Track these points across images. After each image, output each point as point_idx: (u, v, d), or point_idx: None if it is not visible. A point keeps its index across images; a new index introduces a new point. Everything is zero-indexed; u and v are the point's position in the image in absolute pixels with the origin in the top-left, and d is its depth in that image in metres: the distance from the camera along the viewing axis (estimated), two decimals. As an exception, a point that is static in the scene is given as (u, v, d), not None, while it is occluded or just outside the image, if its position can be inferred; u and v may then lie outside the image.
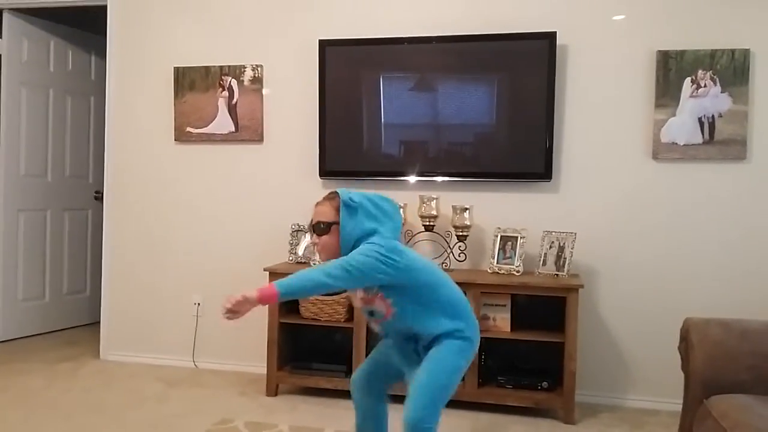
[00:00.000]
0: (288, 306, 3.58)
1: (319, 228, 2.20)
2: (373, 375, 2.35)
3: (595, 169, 3.52)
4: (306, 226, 2.14)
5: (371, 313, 2.22)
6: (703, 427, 2.12)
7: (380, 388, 2.36)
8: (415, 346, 2.23)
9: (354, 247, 2.14)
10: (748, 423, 1.90)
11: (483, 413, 3.27)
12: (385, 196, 2.25)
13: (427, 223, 3.54)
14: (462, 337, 2.16)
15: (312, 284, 2.06)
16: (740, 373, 2.17)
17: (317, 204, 2.25)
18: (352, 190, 2.23)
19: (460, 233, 3.50)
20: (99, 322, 4.29)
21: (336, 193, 2.22)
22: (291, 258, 3.70)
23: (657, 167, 3.44)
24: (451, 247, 3.55)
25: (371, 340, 3.44)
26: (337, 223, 2.17)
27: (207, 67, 3.98)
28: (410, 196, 3.62)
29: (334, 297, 3.43)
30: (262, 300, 2.03)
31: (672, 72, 3.38)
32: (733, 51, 3.31)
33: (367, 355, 3.37)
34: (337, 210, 2.18)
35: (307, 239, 3.68)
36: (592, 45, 3.50)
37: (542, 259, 3.41)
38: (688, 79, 3.36)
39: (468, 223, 3.49)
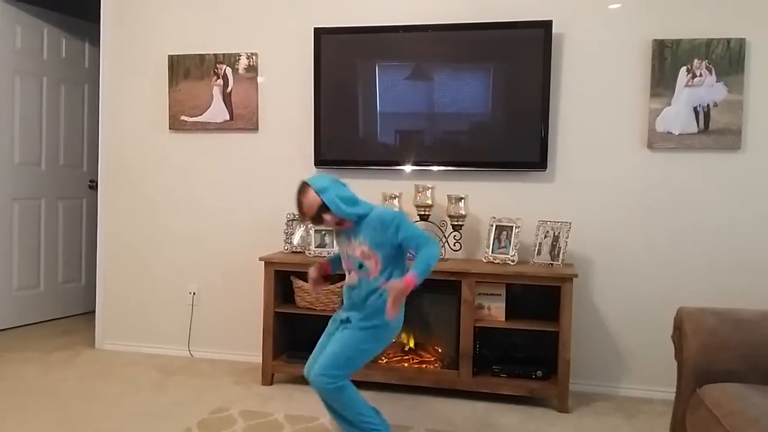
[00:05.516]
0: (283, 295, 3.59)
1: (317, 219, 2.47)
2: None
3: (590, 158, 3.52)
4: (300, 221, 2.59)
5: (360, 266, 2.49)
6: (696, 415, 2.14)
7: None
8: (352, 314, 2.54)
9: (348, 211, 2.43)
10: (740, 411, 1.90)
11: (478, 402, 3.28)
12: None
13: (423, 213, 3.53)
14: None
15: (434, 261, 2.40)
16: (733, 362, 2.18)
17: (299, 200, 2.46)
18: (315, 175, 2.59)
19: (456, 222, 3.50)
20: (94, 311, 4.29)
21: (305, 183, 2.46)
22: (286, 247, 3.70)
23: (652, 157, 3.45)
24: (446, 236, 3.55)
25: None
26: (324, 205, 2.43)
27: (202, 55, 3.95)
28: (405, 186, 3.62)
29: (330, 287, 3.43)
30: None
31: (667, 61, 3.37)
32: (728, 40, 3.30)
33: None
34: (316, 195, 2.44)
35: (302, 229, 3.68)
36: (588, 34, 3.49)
37: (537, 248, 3.41)
38: (684, 68, 3.36)
39: (463, 213, 3.49)
